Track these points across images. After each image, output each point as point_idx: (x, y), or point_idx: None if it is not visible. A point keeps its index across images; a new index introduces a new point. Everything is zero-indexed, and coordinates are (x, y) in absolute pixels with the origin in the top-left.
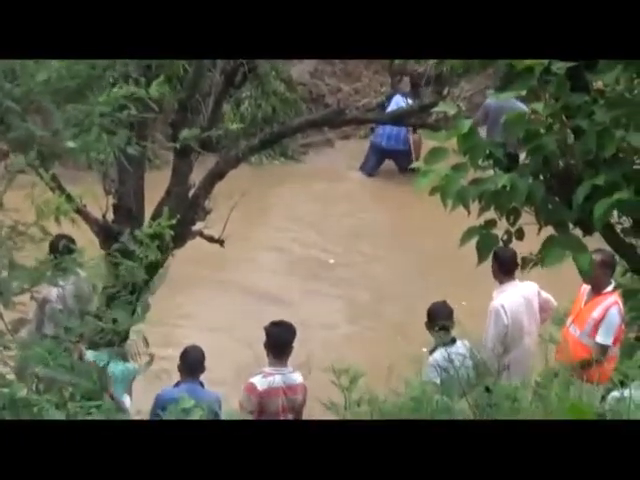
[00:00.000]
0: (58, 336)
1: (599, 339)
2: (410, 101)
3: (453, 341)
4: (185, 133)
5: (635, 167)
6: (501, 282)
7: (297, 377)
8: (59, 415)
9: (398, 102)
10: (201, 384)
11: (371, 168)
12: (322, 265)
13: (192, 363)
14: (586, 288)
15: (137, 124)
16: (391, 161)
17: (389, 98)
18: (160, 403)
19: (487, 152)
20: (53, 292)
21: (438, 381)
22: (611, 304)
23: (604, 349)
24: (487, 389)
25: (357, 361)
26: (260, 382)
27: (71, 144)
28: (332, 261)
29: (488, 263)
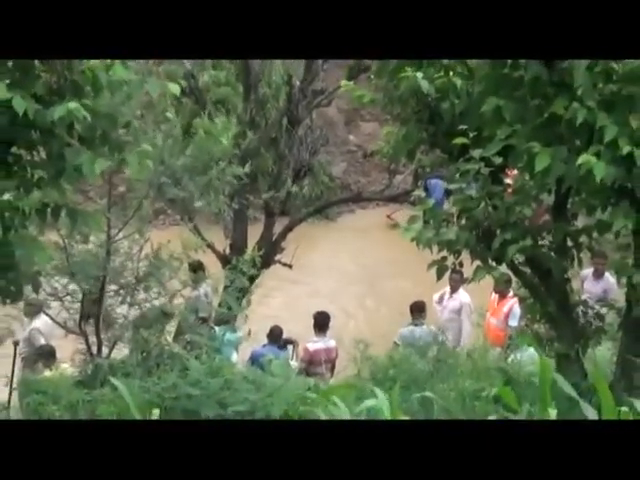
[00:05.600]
0: (204, 317)
1: (511, 323)
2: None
3: (417, 325)
4: (267, 197)
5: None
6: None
7: (332, 342)
8: (197, 362)
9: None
10: (279, 347)
11: None
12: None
13: (274, 334)
14: (496, 295)
15: (241, 191)
16: None
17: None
18: (253, 356)
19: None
20: (200, 290)
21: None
22: (514, 302)
23: (513, 329)
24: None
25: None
26: (311, 345)
27: (199, 203)
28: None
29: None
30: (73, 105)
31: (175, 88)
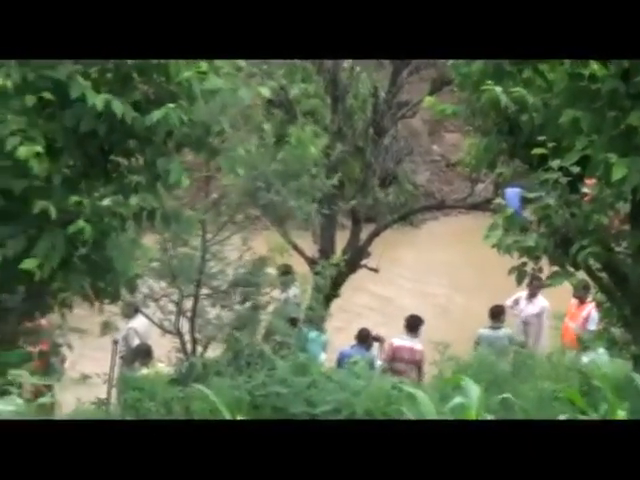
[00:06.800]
0: (292, 318)
1: (589, 327)
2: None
3: (496, 328)
4: (354, 204)
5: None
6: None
7: (418, 344)
8: (284, 362)
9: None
10: (366, 348)
11: None
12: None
13: (361, 336)
14: (575, 300)
15: (330, 198)
16: None
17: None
18: (340, 356)
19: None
20: (289, 293)
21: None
22: (592, 307)
23: (589, 332)
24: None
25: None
26: (396, 341)
27: (291, 203)
28: None
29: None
30: (171, 108)
31: (265, 91)
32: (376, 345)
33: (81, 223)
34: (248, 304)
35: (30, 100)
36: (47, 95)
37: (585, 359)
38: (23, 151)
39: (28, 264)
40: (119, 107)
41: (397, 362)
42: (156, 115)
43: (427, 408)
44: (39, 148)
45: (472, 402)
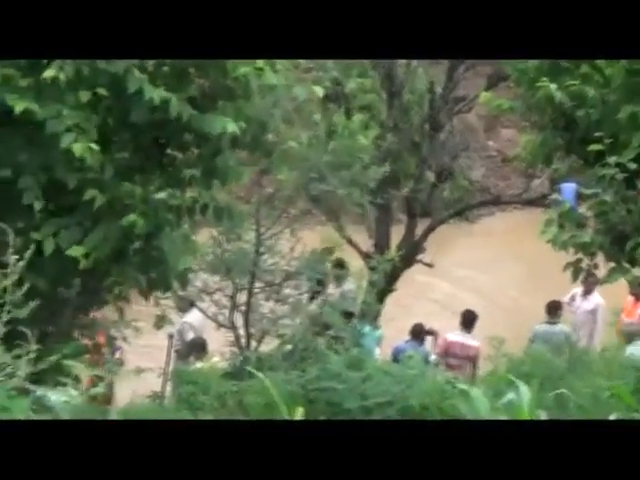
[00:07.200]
0: (347, 313)
1: None
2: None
3: (552, 323)
4: (410, 199)
5: None
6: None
7: (473, 340)
8: (338, 356)
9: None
10: (420, 343)
11: None
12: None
13: (415, 331)
14: (631, 297)
15: (384, 192)
16: None
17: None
18: (395, 351)
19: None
20: (344, 287)
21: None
22: None
23: None
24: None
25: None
26: (450, 336)
27: (342, 192)
28: None
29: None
30: (229, 122)
31: (319, 90)
32: (429, 339)
33: (133, 217)
34: (302, 298)
35: (85, 96)
36: (101, 91)
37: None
38: (78, 148)
39: (75, 251)
40: (175, 106)
41: (451, 357)
42: (217, 124)
43: (481, 404)
44: (93, 144)
45: (525, 399)
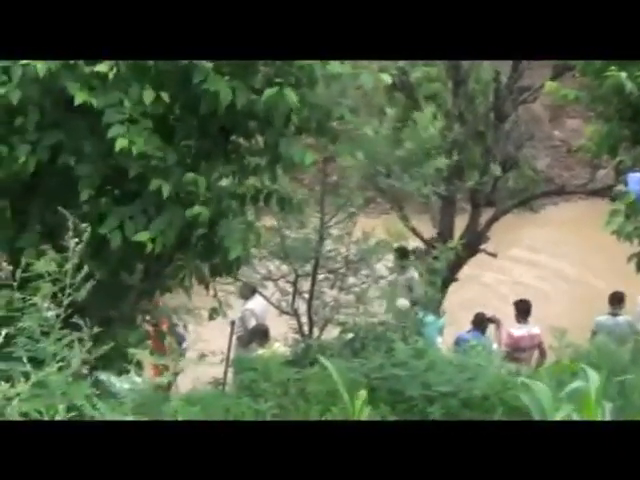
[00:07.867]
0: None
1: None
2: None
3: (615, 315)
4: (474, 188)
5: None
6: None
7: (535, 329)
8: (403, 344)
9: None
10: (482, 332)
11: None
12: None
13: (477, 320)
14: None
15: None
16: None
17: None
18: (457, 340)
19: None
20: (407, 275)
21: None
22: None
23: None
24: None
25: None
26: (515, 331)
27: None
28: None
29: None
30: (285, 91)
31: (387, 78)
32: (491, 327)
33: (197, 209)
34: (365, 286)
35: (148, 96)
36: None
37: None
38: (120, 143)
39: (141, 237)
40: (241, 98)
41: (519, 352)
42: (268, 93)
43: (543, 395)
44: (144, 134)
45: (591, 387)
